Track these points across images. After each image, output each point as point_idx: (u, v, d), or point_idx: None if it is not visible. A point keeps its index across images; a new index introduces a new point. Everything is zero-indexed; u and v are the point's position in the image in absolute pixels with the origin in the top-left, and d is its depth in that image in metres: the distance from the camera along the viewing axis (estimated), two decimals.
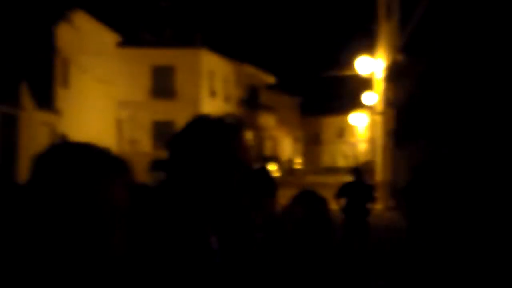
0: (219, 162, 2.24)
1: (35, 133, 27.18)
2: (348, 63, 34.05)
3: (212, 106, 45.94)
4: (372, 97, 33.72)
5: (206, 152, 2.25)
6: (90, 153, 1.69)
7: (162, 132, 41.38)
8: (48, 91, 29.76)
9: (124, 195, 1.68)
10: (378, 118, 31.37)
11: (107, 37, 38.19)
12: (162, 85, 46.05)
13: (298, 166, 62.77)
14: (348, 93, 55.18)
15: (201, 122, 2.34)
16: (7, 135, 25.94)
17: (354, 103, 50.15)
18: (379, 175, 29.21)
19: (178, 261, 2.09)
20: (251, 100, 57.84)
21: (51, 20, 30.10)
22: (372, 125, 39.89)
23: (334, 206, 10.09)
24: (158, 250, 2.07)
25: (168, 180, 2.28)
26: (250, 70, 57.23)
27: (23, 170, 23.85)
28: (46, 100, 29.33)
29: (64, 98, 31.07)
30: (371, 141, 41.19)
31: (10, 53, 27.98)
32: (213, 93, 49.37)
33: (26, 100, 27.60)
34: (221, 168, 2.24)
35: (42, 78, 29.18)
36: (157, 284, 2.04)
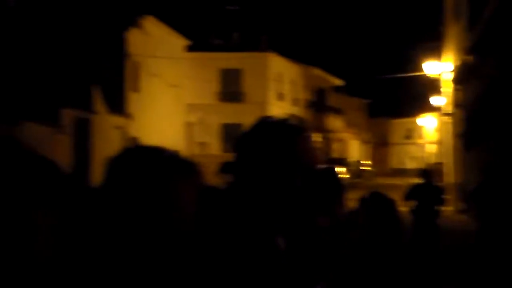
0: (282, 163, 2.23)
1: (107, 136, 27.69)
2: (415, 64, 33.69)
3: (280, 108, 46.00)
4: (440, 99, 33.29)
5: (269, 153, 2.24)
6: (160, 156, 1.72)
7: (230, 134, 41.61)
8: (119, 96, 30.31)
9: (193, 197, 1.70)
10: (447, 120, 30.94)
11: (176, 42, 38.64)
12: (230, 88, 46.35)
13: (366, 168, 62.28)
14: (416, 95, 54.55)
15: (264, 124, 2.34)
16: (81, 138, 26.54)
17: (422, 105, 49.55)
18: (449, 177, 28.81)
19: (245, 262, 2.10)
20: (319, 103, 57.67)
21: (122, 26, 30.65)
22: (441, 126, 39.35)
23: (403, 208, 10.06)
24: (225, 250, 2.09)
25: (235, 182, 2.28)
26: (317, 72, 57.08)
27: (96, 173, 24.33)
28: (117, 104, 29.88)
29: (135, 102, 31.59)
30: (440, 142, 40.60)
31: (83, 59, 28.60)
32: (280, 96, 49.43)
33: (99, 104, 28.19)
34: (284, 169, 2.23)
35: (114, 83, 29.72)
36: (224, 285, 2.05)
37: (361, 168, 59.12)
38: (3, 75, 28.21)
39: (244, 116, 42.00)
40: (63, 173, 1.44)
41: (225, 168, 2.35)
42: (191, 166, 1.75)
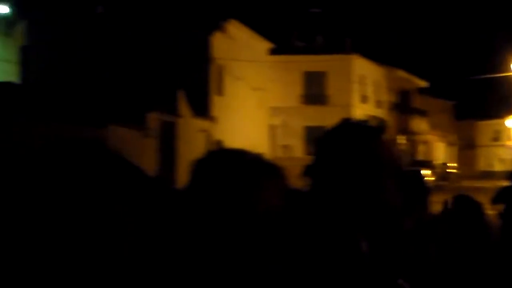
0: (363, 165, 2.21)
1: (192, 139, 28.06)
2: (503, 64, 32.93)
3: (364, 111, 45.68)
4: None
5: (350, 155, 2.22)
6: (244, 159, 1.72)
7: (314, 137, 41.42)
8: (204, 99, 30.67)
9: (277, 200, 1.70)
10: None
11: (260, 45, 38.84)
12: (314, 91, 46.28)
13: (452, 171, 61.15)
14: (503, 96, 53.29)
15: (345, 126, 2.33)
16: (166, 141, 26.98)
17: (510, 106, 48.34)
18: None
19: (327, 265, 2.10)
20: (403, 105, 56.97)
21: (206, 30, 31.01)
22: None
23: (491, 211, 9.87)
24: (308, 254, 2.08)
25: (316, 184, 2.27)
26: (401, 74, 56.40)
27: (182, 176, 24.67)
28: (202, 107, 30.24)
29: (219, 105, 31.91)
30: None
31: (168, 63, 29.07)
32: (364, 98, 49.07)
33: (184, 108, 28.60)
34: (365, 171, 2.21)
35: (198, 87, 30.10)
36: (306, 286, 2.04)
37: (446, 170, 58.10)
38: (91, 79, 28.95)
39: (327, 118, 41.81)
40: (148, 177, 1.44)
41: (308, 170, 2.33)
42: (275, 169, 1.75)
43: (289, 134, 45.19)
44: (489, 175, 66.26)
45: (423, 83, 62.00)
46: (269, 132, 40.50)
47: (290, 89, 45.80)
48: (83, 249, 1.26)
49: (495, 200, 12.95)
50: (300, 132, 45.71)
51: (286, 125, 44.81)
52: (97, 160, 1.32)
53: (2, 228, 1.27)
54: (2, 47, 29.22)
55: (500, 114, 64.04)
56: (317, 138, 2.38)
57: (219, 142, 29.36)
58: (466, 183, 50.69)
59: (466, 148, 79.75)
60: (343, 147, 2.24)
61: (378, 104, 51.80)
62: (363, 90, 49.02)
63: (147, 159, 23.66)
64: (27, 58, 30.69)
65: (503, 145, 76.86)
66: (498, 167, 72.50)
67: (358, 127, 2.31)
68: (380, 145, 2.28)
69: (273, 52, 41.41)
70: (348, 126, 2.33)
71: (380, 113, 48.30)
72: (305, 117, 45.22)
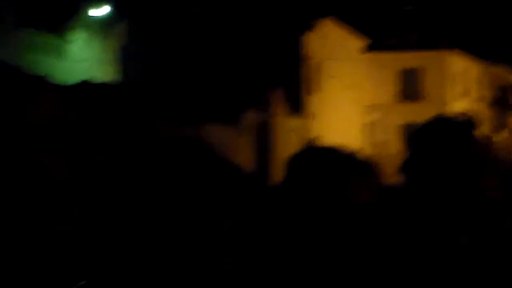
0: (457, 160, 2.20)
1: (287, 137, 28.20)
2: None
3: (461, 107, 44.81)
4: None
5: (444, 151, 2.22)
6: (338, 156, 1.74)
7: (410, 134, 40.98)
8: (299, 97, 30.79)
9: (370, 197, 1.72)
10: None
11: (354, 43, 38.66)
12: (409, 88, 45.68)
13: None
14: None
15: (436, 122, 2.34)
16: (262, 139, 27.20)
17: None
18: None
19: (427, 258, 2.09)
20: (503, 101, 55.57)
21: (301, 29, 31.10)
22: None
23: None
24: (406, 249, 2.08)
25: (412, 180, 2.26)
26: (500, 69, 55.01)
27: (277, 173, 24.82)
28: (297, 105, 30.37)
29: (314, 103, 31.96)
30: None
31: (263, 63, 29.29)
32: (461, 95, 48.12)
33: (279, 106, 28.77)
34: (459, 166, 2.20)
35: (294, 85, 30.23)
36: (405, 281, 2.04)
37: None
38: (189, 78, 29.44)
39: (423, 115, 40.85)
40: (245, 175, 1.47)
41: (403, 167, 2.34)
42: (368, 166, 1.78)
43: (385, 131, 44.76)
44: None
45: None
46: (364, 130, 40.27)
47: (385, 86, 45.34)
48: (180, 243, 1.29)
49: None
50: (396, 129, 45.20)
51: (382, 122, 44.41)
52: (196, 159, 1.36)
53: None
54: (101, 47, 30.00)
55: None
56: (410, 135, 2.41)
57: (314, 140, 29.39)
58: None
59: None
60: (438, 143, 2.24)
61: (476, 100, 50.68)
62: (460, 86, 48.06)
63: (243, 157, 23.92)
64: (126, 58, 31.40)
65: None
66: None
67: (451, 123, 2.31)
68: (473, 140, 2.27)
69: (368, 49, 41.12)
70: (441, 122, 2.34)
71: (478, 109, 47.26)
72: (401, 114, 44.65)
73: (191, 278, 1.29)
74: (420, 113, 44.98)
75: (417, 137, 2.34)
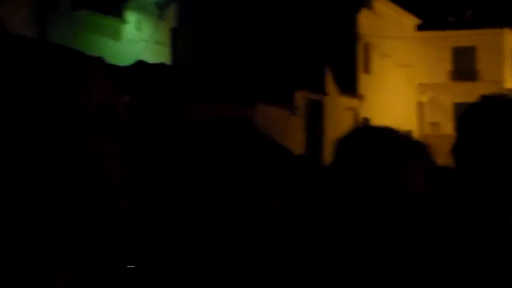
0: (506, 140, 2.14)
1: (338, 117, 28.13)
2: None
3: None
4: None
5: (491, 131, 2.16)
6: (390, 137, 1.70)
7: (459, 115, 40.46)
8: (351, 77, 30.65)
9: (423, 178, 1.67)
10: None
11: (407, 21, 38.28)
12: (463, 66, 45.07)
13: None
14: None
15: (485, 102, 2.28)
16: (313, 120, 27.19)
17: None
18: None
19: (477, 241, 2.05)
20: None
21: (353, 7, 30.90)
22: None
23: None
24: (456, 232, 2.04)
25: (462, 161, 2.20)
26: None
27: (328, 154, 24.79)
28: (349, 85, 30.23)
29: (366, 83, 31.78)
30: None
31: (315, 42, 29.20)
32: None
33: (331, 86, 28.69)
34: (508, 146, 2.14)
35: (345, 64, 30.09)
36: (455, 263, 2.02)
37: None
38: (239, 59, 29.53)
39: (477, 94, 40.46)
40: (295, 156, 1.44)
41: (454, 148, 2.31)
42: (421, 147, 1.73)
43: (438, 111, 44.27)
44: None
45: None
46: (417, 109, 39.93)
47: (439, 65, 44.80)
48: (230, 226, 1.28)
49: None
50: (449, 109, 44.66)
51: (435, 102, 43.94)
52: (244, 140, 1.34)
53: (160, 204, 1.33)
54: (155, 29, 30.24)
55: None
56: (459, 115, 2.34)
57: (366, 120, 29.27)
58: None
59: None
60: (485, 123, 2.19)
61: None
62: None
63: (294, 138, 23.95)
64: (178, 40, 31.62)
65: None
66: None
67: (500, 102, 2.26)
68: None
69: (421, 28, 40.67)
70: (490, 101, 2.28)
71: None
72: (454, 94, 44.12)
73: (240, 261, 1.29)
74: (474, 92, 44.29)
75: (465, 118, 2.28)
